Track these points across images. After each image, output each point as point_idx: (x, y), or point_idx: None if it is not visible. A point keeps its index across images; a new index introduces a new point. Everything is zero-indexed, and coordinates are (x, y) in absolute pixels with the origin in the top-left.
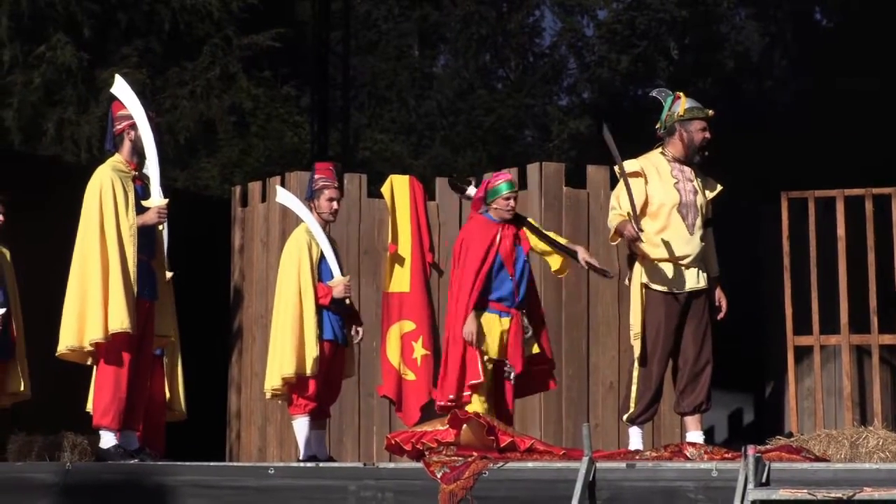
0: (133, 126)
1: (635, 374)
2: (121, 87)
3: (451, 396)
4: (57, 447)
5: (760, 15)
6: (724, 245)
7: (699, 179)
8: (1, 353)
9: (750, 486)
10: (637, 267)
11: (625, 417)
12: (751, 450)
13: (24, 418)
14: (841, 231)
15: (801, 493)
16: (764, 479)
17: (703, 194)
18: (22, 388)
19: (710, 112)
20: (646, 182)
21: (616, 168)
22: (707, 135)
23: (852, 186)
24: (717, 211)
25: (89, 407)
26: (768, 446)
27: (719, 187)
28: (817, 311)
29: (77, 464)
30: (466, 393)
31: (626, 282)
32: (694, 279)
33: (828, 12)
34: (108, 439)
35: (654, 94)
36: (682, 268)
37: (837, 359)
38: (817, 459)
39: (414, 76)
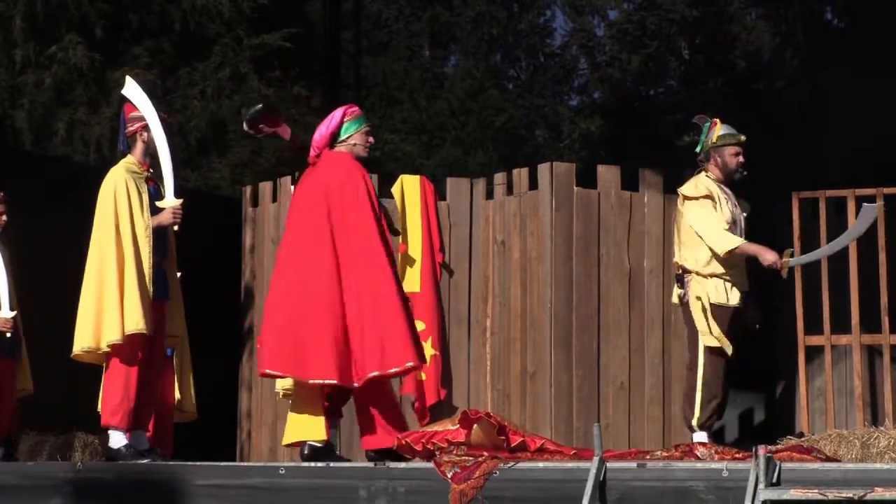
0: (146, 127)
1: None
2: (132, 89)
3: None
4: (68, 447)
5: (771, 15)
6: None
7: (738, 200)
8: (11, 352)
9: (761, 486)
10: (696, 281)
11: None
12: (762, 450)
13: (36, 418)
14: None
15: (812, 494)
16: (775, 479)
17: (742, 213)
18: (27, 386)
19: (743, 137)
20: (714, 205)
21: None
22: (740, 159)
23: (863, 186)
24: None
25: (99, 407)
26: (779, 446)
27: (748, 206)
28: (828, 311)
29: (88, 463)
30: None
31: (675, 299)
32: (738, 295)
33: (839, 12)
34: (117, 439)
35: (694, 121)
36: (731, 285)
37: (848, 359)
38: (828, 459)
39: (425, 76)
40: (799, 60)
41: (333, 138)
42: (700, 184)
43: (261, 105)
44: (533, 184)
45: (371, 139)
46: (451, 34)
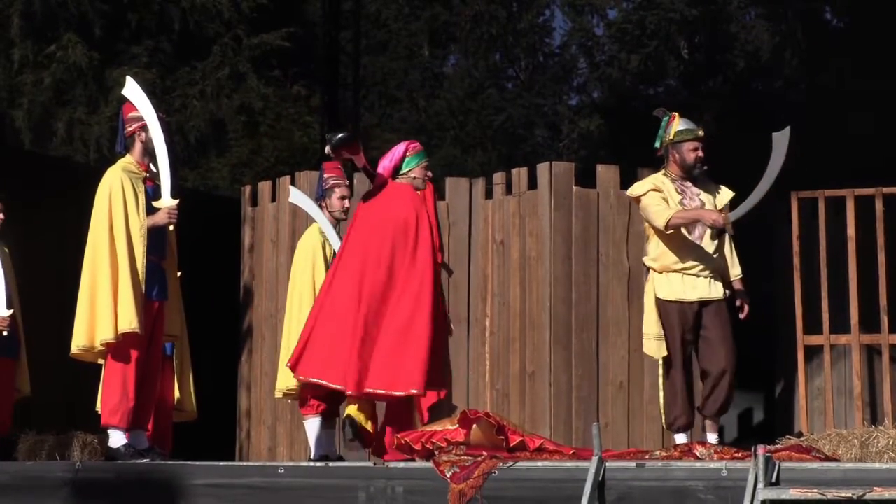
0: (144, 127)
1: (661, 381)
2: (131, 89)
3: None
4: (67, 446)
5: (771, 14)
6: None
7: (704, 192)
8: (10, 352)
9: (760, 485)
10: (650, 277)
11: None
12: (761, 449)
13: (35, 417)
14: (851, 231)
15: (812, 493)
16: (774, 479)
17: (713, 205)
18: (25, 387)
19: (701, 132)
20: (661, 196)
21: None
22: (699, 154)
23: (862, 186)
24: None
25: (99, 407)
26: (778, 446)
27: (730, 193)
28: (827, 311)
29: (87, 463)
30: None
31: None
32: (705, 289)
33: (838, 11)
34: (117, 438)
35: (655, 114)
36: (693, 277)
37: (847, 358)
38: (827, 459)
39: (424, 76)
40: (798, 60)
41: (396, 170)
42: (646, 181)
43: (346, 133)
44: (532, 183)
45: (429, 173)
46: (451, 34)
